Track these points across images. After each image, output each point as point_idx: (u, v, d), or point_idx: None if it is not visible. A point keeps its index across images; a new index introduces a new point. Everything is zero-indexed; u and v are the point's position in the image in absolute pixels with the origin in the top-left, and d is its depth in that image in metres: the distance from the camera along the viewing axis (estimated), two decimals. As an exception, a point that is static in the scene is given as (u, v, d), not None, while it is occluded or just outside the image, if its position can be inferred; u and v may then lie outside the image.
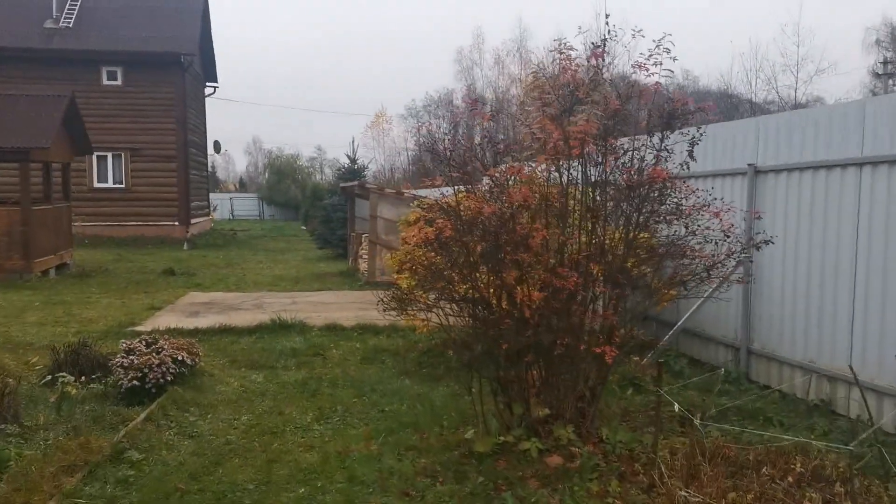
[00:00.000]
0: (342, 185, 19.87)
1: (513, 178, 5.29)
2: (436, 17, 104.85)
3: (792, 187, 6.83)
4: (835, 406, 6.31)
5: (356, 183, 17.36)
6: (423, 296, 7.90)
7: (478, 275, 5.28)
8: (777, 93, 36.51)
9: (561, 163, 5.28)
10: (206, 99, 33.86)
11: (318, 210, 26.74)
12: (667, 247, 5.33)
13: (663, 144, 5.45)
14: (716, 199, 5.80)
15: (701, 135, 5.56)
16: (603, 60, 5.59)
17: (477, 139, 6.15)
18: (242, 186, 73.85)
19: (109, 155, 27.01)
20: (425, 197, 17.19)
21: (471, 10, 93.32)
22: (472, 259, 5.10)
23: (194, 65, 29.17)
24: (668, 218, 5.23)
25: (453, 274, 5.27)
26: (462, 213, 5.22)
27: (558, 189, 5.37)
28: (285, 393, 7.25)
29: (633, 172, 5.16)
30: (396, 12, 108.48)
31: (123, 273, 17.73)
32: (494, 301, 5.14)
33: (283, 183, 52.58)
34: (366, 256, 17.04)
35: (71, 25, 27.29)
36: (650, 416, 6.23)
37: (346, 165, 23.29)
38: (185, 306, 12.41)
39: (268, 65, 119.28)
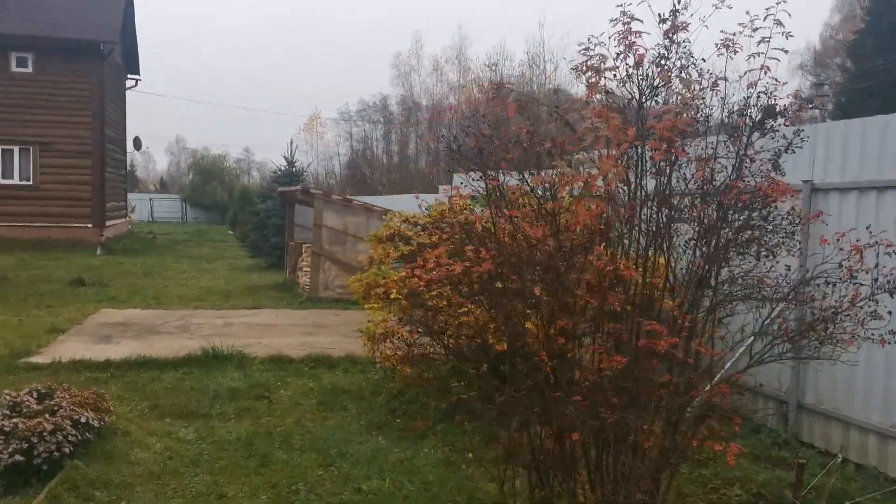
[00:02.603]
0: (280, 189, 18.04)
1: (571, 189, 3.82)
2: (373, 21, 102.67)
3: (866, 209, 5.58)
4: (931, 485, 5.05)
5: (298, 187, 15.62)
6: (401, 329, 6.35)
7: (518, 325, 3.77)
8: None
9: (634, 170, 3.83)
10: (127, 92, 31.30)
11: (249, 215, 24.77)
12: (765, 288, 3.94)
13: (745, 150, 4.08)
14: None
15: (801, 139, 4.20)
16: (675, 36, 4.18)
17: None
18: (163, 186, 70.40)
19: (16, 149, 24.35)
20: (369, 204, 15.40)
21: (410, 14, 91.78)
22: (524, 304, 3.57)
23: (115, 54, 26.71)
24: (784, 248, 3.85)
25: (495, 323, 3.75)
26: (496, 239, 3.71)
27: (625, 207, 3.92)
28: (225, 459, 5.56)
29: (733, 185, 3.76)
30: (333, 14, 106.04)
31: (25, 283, 15.46)
32: (546, 362, 3.62)
33: (208, 184, 49.83)
34: (307, 269, 15.33)
35: (-24, 6, 24.56)
36: (712, 501, 4.85)
37: (282, 168, 21.38)
38: (96, 328, 10.46)
39: (195, 61, 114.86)
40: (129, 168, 39.49)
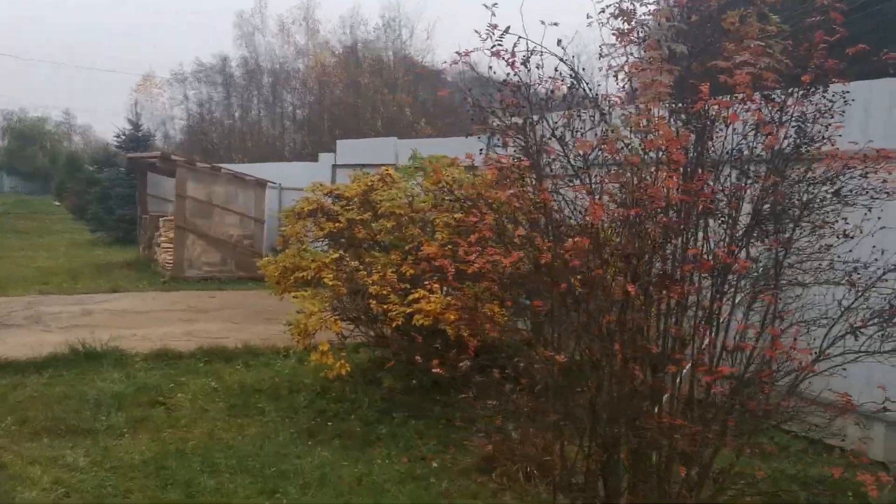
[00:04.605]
0: (130, 155, 16.14)
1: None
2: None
3: None
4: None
5: (156, 154, 13.94)
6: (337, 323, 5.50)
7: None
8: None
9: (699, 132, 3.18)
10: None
11: (81, 184, 22.30)
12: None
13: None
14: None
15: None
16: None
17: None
18: (-31, 153, 63.10)
19: None
20: (240, 173, 13.99)
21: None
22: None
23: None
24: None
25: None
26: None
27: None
28: (138, 492, 4.45)
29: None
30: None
31: None
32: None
33: (27, 150, 45.05)
34: (168, 245, 13.78)
35: None
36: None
37: (126, 132, 19.25)
38: (-79, 322, 8.66)
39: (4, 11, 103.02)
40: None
